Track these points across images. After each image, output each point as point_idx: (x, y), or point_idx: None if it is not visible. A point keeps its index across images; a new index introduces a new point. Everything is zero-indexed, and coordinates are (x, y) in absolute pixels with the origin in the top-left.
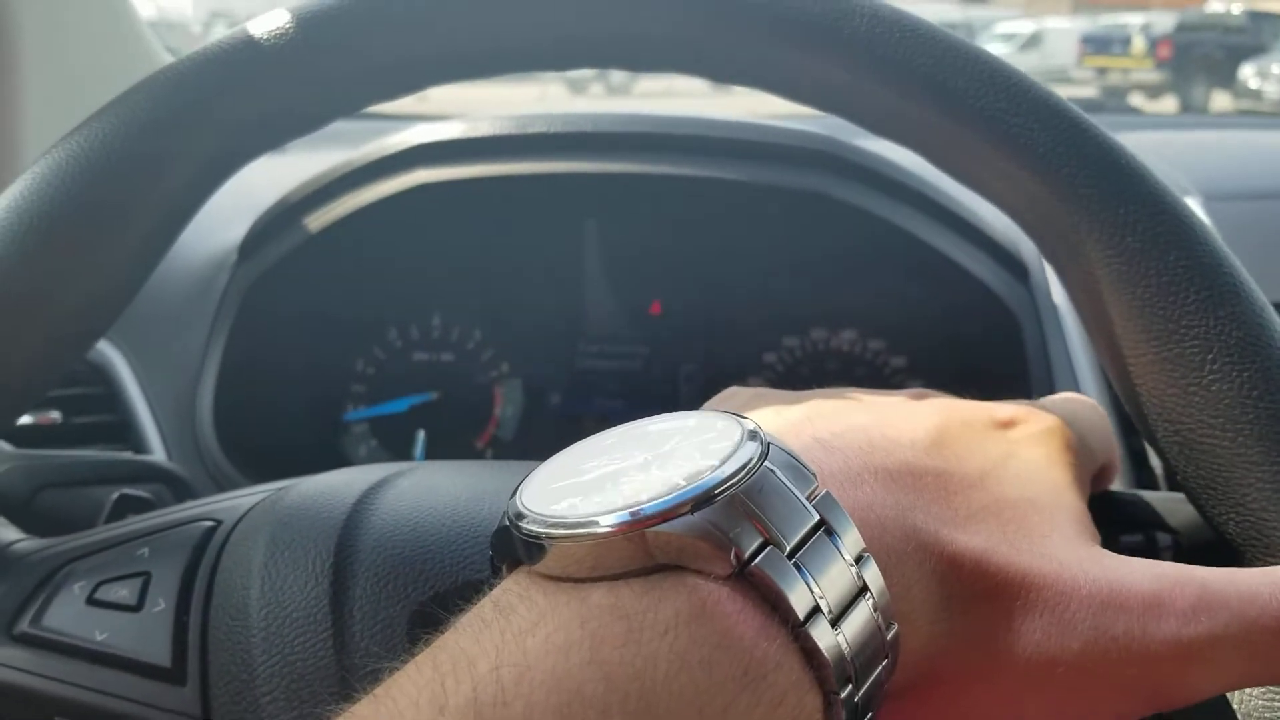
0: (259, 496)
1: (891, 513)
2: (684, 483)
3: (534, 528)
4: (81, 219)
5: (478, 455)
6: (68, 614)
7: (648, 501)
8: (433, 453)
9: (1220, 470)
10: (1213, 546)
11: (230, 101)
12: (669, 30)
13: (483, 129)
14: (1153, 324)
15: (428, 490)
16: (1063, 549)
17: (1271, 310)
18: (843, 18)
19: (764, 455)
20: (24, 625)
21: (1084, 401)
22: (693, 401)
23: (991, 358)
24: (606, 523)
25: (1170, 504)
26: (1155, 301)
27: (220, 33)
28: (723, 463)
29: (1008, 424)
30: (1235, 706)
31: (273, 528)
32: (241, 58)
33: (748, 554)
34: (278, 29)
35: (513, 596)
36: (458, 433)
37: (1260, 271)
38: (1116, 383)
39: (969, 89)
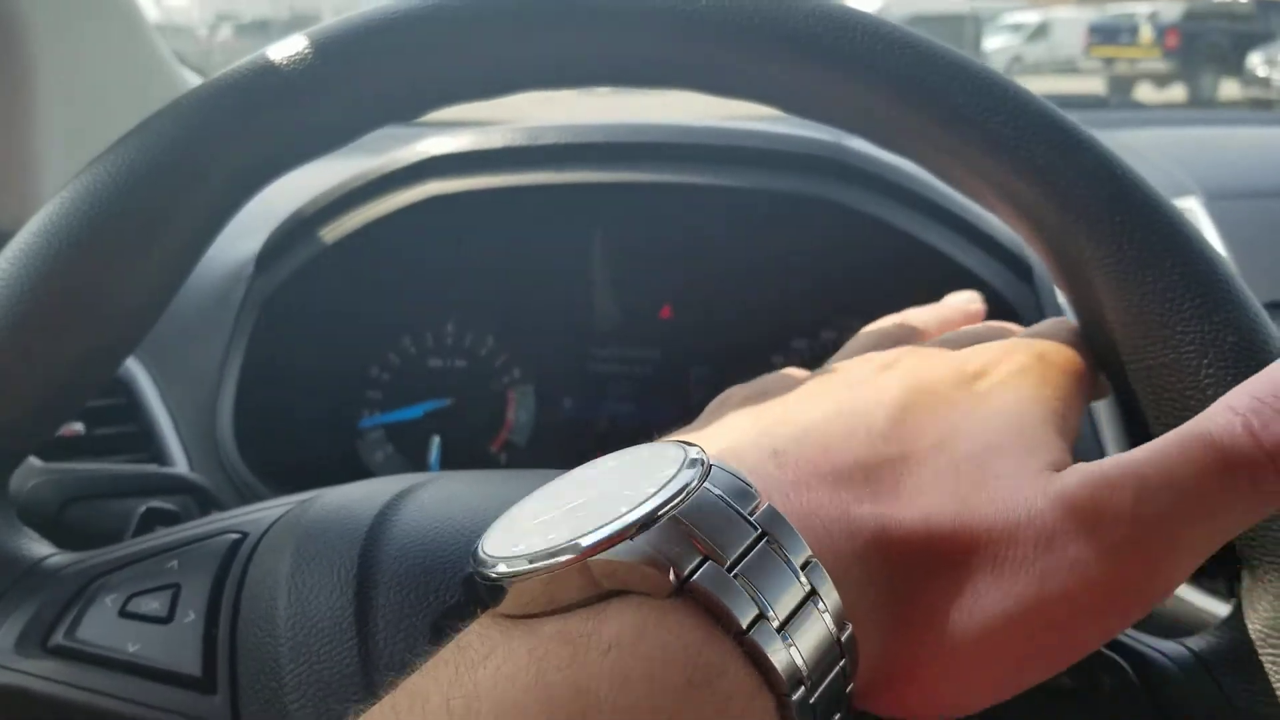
0: (283, 509)
1: (836, 514)
2: (626, 511)
3: (492, 571)
4: (113, 239)
5: (492, 459)
6: (100, 626)
7: (591, 532)
8: (448, 457)
9: None
10: None
11: (263, 117)
12: (674, 50)
13: (494, 140)
14: (1149, 330)
15: (447, 500)
16: (1011, 490)
17: (1265, 316)
18: (842, 34)
19: (704, 477)
20: (58, 638)
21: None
22: (704, 404)
23: None
24: (554, 558)
25: None
26: (1151, 307)
27: (226, 35)
28: (662, 488)
29: (977, 375)
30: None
31: (297, 540)
32: (274, 75)
33: (686, 571)
34: (309, 49)
35: (471, 635)
36: (472, 438)
37: (1262, 270)
38: (1115, 387)
39: (967, 102)
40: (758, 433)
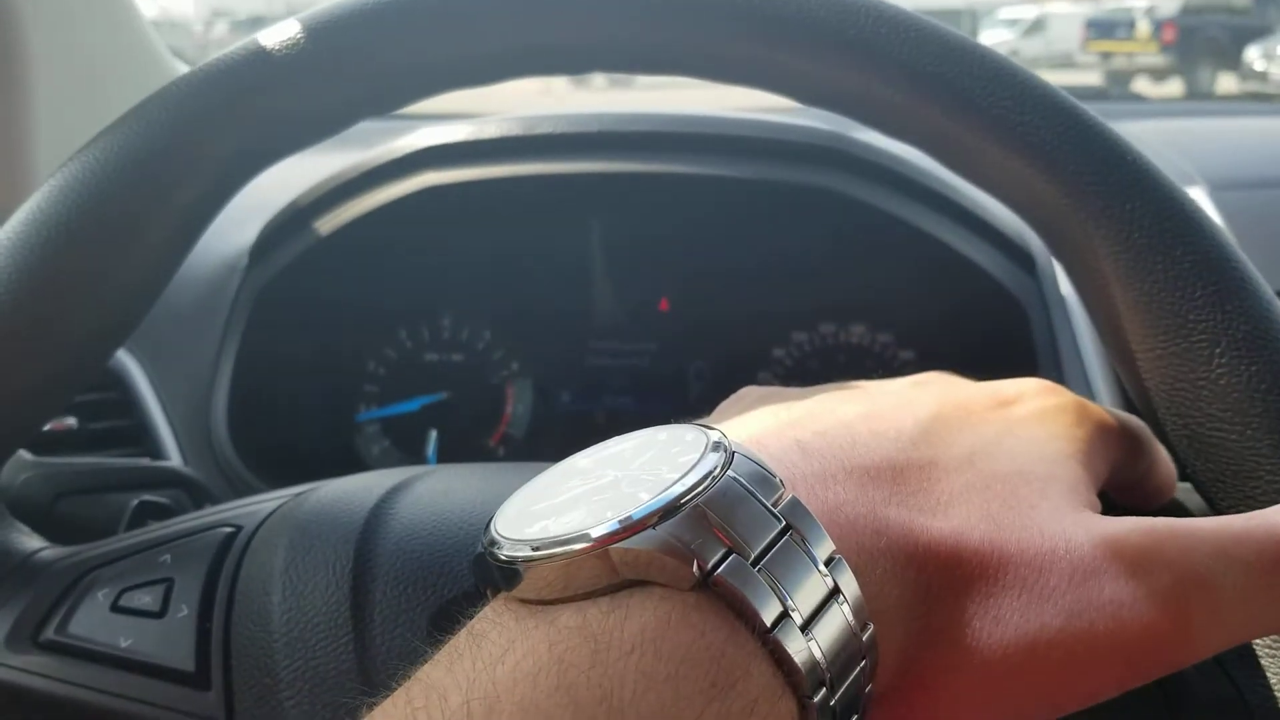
0: (278, 502)
1: (863, 510)
2: (647, 498)
3: (507, 553)
4: (103, 226)
5: (490, 454)
6: (92, 621)
7: (612, 519)
8: (445, 452)
9: (1229, 463)
10: None
11: (249, 106)
12: (676, 36)
13: (490, 130)
14: (1160, 318)
15: (444, 493)
16: (1048, 518)
17: (1278, 304)
18: (848, 19)
19: (727, 464)
20: (49, 633)
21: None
22: (702, 397)
23: (1000, 350)
24: (573, 543)
25: (1180, 495)
26: (1163, 296)
27: (221, 31)
28: (685, 475)
29: (1011, 401)
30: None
31: (292, 533)
32: (260, 63)
33: (710, 564)
34: (295, 35)
35: (486, 623)
36: (470, 432)
37: (1267, 260)
38: (1125, 377)
39: (975, 88)
40: (782, 424)
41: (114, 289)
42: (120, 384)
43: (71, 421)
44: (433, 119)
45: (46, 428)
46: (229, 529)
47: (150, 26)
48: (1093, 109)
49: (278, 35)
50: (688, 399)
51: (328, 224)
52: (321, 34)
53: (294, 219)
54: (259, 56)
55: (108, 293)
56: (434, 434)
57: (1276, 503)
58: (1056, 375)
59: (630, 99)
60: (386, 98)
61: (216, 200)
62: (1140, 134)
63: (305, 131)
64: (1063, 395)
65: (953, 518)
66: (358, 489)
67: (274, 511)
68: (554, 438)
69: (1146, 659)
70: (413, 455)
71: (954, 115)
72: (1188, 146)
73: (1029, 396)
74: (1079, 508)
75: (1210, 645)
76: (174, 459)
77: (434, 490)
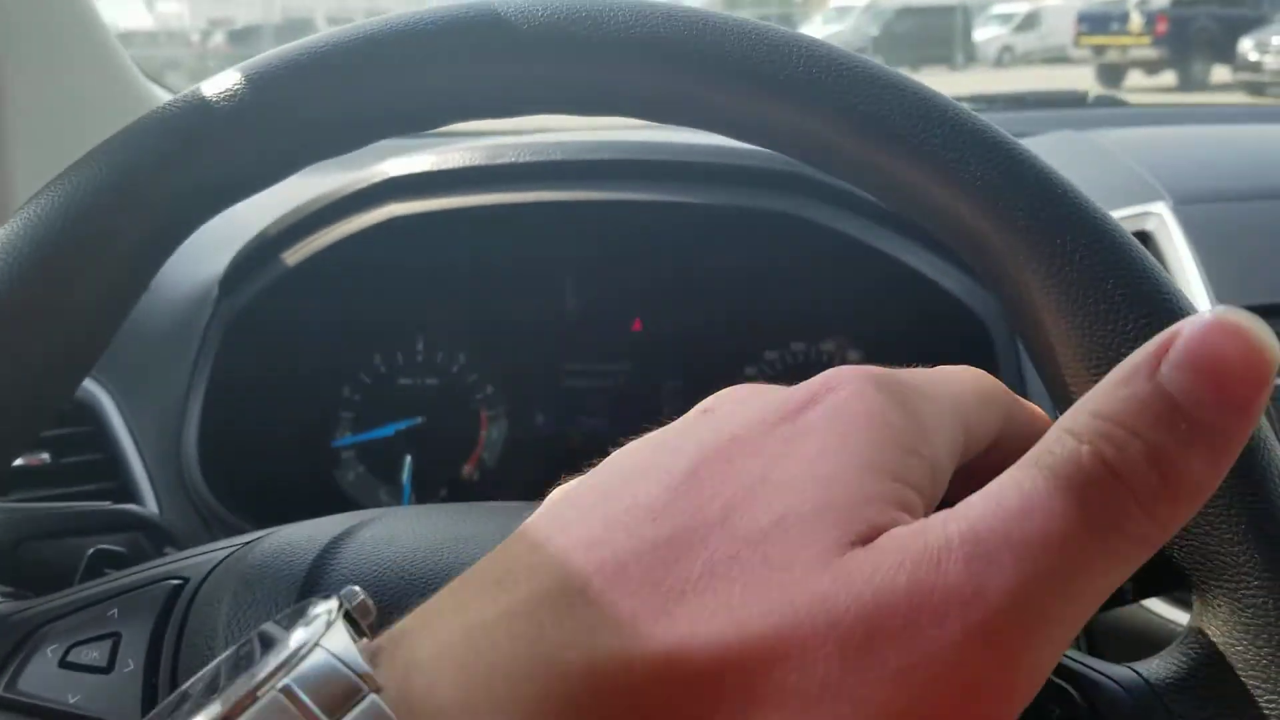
0: (226, 552)
1: (526, 666)
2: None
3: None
4: (60, 258)
5: (465, 479)
6: (41, 677)
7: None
8: (420, 477)
9: None
10: (1159, 566)
11: (191, 156)
12: (608, 75)
13: (453, 160)
14: (1092, 351)
15: (388, 541)
16: (802, 585)
17: None
18: (776, 58)
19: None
20: None
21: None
22: (676, 416)
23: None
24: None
25: None
26: (1094, 330)
27: (219, 41)
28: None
29: (809, 404)
30: None
31: (236, 585)
32: (199, 115)
33: None
34: (246, 82)
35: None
36: (445, 456)
37: (1231, 276)
38: (1058, 407)
39: (904, 124)
40: (504, 547)
41: (69, 325)
42: (93, 418)
43: (45, 456)
44: (398, 143)
45: (20, 463)
46: (176, 581)
47: (128, 56)
48: (1069, 116)
49: (225, 83)
50: (662, 419)
51: (296, 254)
52: (264, 82)
53: (263, 249)
54: (200, 108)
55: (62, 329)
56: (409, 460)
57: (1209, 534)
58: (1020, 390)
59: (607, 120)
60: (331, 144)
61: (172, 238)
62: (1109, 145)
63: (254, 177)
64: (887, 373)
65: (675, 622)
66: (302, 539)
67: (221, 562)
68: (529, 460)
69: (969, 715)
70: (388, 481)
71: (884, 152)
72: (1155, 159)
73: (837, 389)
74: (845, 548)
75: (1043, 662)
76: (146, 493)
77: (378, 538)
